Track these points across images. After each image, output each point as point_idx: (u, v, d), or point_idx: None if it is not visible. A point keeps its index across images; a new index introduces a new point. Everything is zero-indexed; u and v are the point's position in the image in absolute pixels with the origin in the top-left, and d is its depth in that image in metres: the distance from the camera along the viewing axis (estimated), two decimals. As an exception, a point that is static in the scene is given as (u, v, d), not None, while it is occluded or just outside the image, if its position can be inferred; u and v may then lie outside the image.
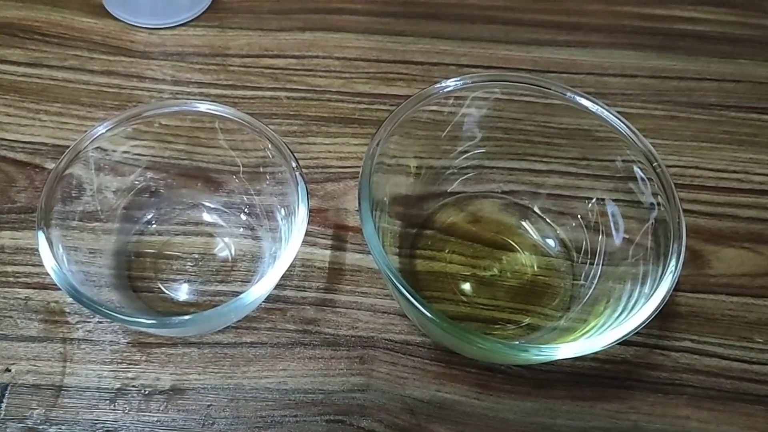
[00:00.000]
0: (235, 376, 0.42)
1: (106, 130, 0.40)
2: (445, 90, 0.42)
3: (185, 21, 0.56)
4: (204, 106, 0.41)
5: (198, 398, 0.41)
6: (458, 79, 0.42)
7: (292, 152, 0.40)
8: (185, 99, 0.51)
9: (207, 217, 0.46)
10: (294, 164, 0.40)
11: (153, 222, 0.46)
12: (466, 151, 0.47)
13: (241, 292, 0.37)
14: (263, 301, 0.44)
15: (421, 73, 0.55)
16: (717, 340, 0.44)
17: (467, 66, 0.55)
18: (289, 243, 0.38)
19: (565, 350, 0.35)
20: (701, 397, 0.42)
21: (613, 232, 0.44)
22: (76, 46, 0.54)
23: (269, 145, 0.41)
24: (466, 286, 0.45)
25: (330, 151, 0.50)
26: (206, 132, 0.45)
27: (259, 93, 0.53)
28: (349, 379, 0.42)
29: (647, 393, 0.42)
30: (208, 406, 0.40)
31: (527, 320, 0.44)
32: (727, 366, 0.43)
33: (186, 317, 0.36)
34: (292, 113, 0.52)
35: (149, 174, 0.46)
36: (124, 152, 0.44)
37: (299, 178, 0.39)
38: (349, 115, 0.52)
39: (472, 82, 0.43)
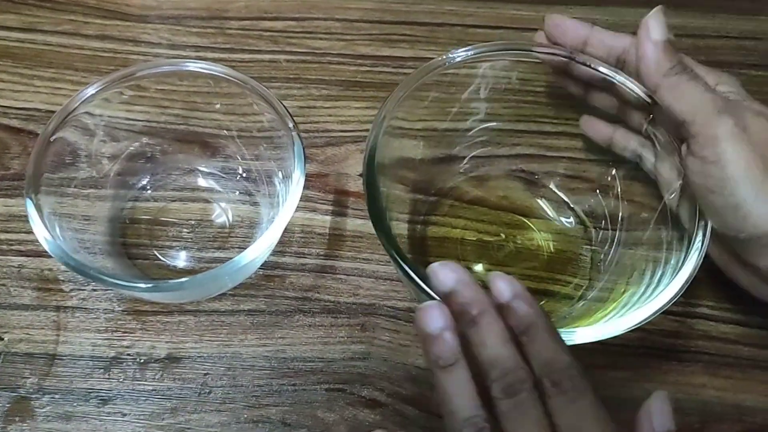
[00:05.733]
0: (233, 345, 0.40)
1: (95, 91, 0.39)
2: (454, 61, 0.40)
3: (182, -16, 0.54)
4: (194, 65, 0.40)
5: (194, 367, 0.40)
6: (467, 49, 0.40)
7: (288, 111, 0.39)
8: (177, 59, 0.49)
9: (204, 182, 0.45)
10: (290, 123, 0.38)
11: (148, 188, 0.45)
12: (478, 116, 0.45)
13: (238, 259, 0.35)
14: (261, 268, 0.42)
15: (425, 34, 0.53)
16: (735, 305, 0.42)
17: (473, 27, 0.53)
18: (284, 206, 0.37)
19: (587, 333, 0.34)
20: (718, 365, 0.41)
21: (633, 198, 0.42)
22: (70, 11, 0.53)
23: (265, 106, 0.40)
24: (478, 255, 0.43)
25: (330, 115, 0.49)
26: (203, 96, 0.43)
27: (258, 56, 0.51)
28: (350, 347, 0.41)
29: (661, 360, 0.41)
30: (205, 374, 0.39)
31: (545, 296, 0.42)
32: (744, 332, 0.42)
33: (178, 281, 0.35)
34: (291, 77, 0.50)
35: (145, 139, 0.44)
36: (119, 117, 0.43)
37: (295, 138, 0.38)
38: (350, 78, 0.50)
39: (480, 53, 0.41)
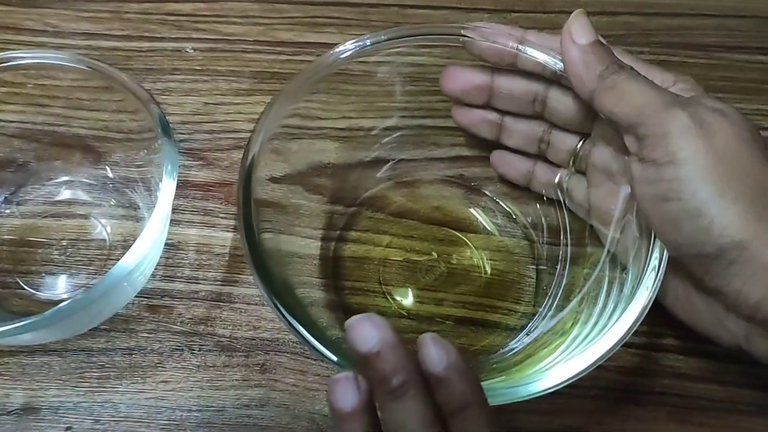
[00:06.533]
0: (104, 391, 0.34)
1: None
2: (342, 56, 0.33)
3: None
4: (30, 57, 0.33)
5: (55, 419, 0.33)
6: (355, 42, 0.33)
7: (154, 99, 0.33)
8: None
9: (82, 194, 0.39)
10: (153, 106, 0.32)
11: (13, 202, 0.38)
12: (409, 112, 0.39)
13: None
14: (145, 297, 0.36)
15: (356, 16, 0.46)
16: (708, 335, 0.36)
17: (412, 6, 0.46)
18: (149, 222, 0.30)
19: (559, 374, 0.28)
20: (688, 409, 0.35)
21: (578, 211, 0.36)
22: (-57, -5, 0.46)
23: (139, 104, 0.33)
24: (404, 278, 0.37)
25: (240, 113, 0.42)
26: (89, 92, 0.37)
27: (160, 44, 0.44)
28: (245, 392, 0.34)
29: (618, 404, 0.34)
30: (67, 429, 0.33)
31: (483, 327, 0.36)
32: (720, 369, 0.35)
33: (16, 325, 0.28)
34: (197, 68, 0.43)
35: (16, 143, 0.38)
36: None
37: (162, 133, 0.32)
38: (266, 68, 0.44)
39: (402, 37, 0.34)
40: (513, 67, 0.34)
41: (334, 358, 0.27)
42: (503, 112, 0.36)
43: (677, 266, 0.30)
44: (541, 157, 0.36)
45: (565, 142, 0.35)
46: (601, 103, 0.29)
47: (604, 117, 0.30)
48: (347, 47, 0.33)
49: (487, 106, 0.35)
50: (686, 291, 0.30)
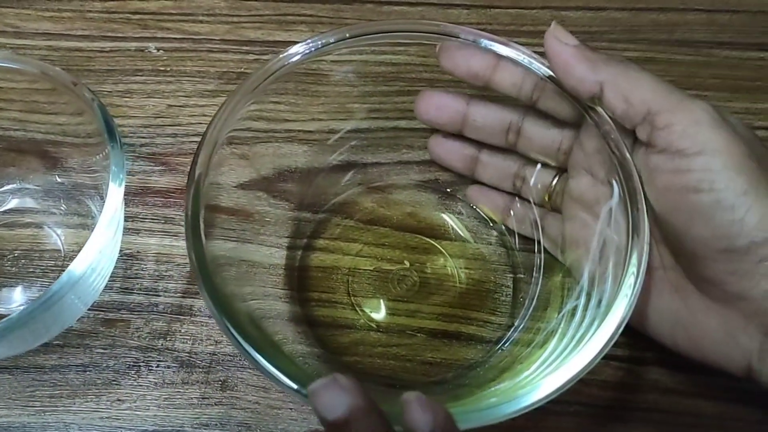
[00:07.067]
0: (56, 411, 0.32)
1: None
2: (291, 60, 0.31)
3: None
4: None
5: (2, 442, 0.31)
6: (307, 43, 0.32)
7: (98, 98, 0.31)
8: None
9: (35, 203, 0.37)
10: (97, 106, 0.31)
11: (-37, 211, 0.36)
12: (382, 113, 0.37)
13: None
14: (101, 310, 0.34)
15: (329, 14, 0.44)
16: (695, 348, 0.34)
17: (388, 3, 0.44)
18: (94, 231, 0.28)
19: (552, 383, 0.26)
20: (674, 426, 0.33)
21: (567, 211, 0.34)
22: None
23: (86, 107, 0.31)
24: (374, 288, 0.35)
25: (205, 115, 0.40)
26: (46, 95, 0.35)
27: (122, 44, 0.42)
28: (205, 410, 0.32)
29: (599, 421, 0.33)
30: (14, 452, 0.31)
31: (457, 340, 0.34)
32: (707, 383, 0.33)
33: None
34: (161, 68, 0.41)
35: (-33, 149, 0.36)
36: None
37: (106, 134, 0.30)
38: (233, 68, 0.42)
39: (325, 44, 0.32)
40: (488, 86, 0.32)
41: (293, 386, 0.25)
42: (478, 145, 0.35)
43: (683, 280, 0.29)
44: (516, 195, 0.35)
45: (541, 178, 0.34)
46: (615, 88, 0.28)
47: (615, 108, 0.28)
48: (298, 49, 0.31)
49: (460, 135, 0.34)
50: (689, 307, 0.29)
